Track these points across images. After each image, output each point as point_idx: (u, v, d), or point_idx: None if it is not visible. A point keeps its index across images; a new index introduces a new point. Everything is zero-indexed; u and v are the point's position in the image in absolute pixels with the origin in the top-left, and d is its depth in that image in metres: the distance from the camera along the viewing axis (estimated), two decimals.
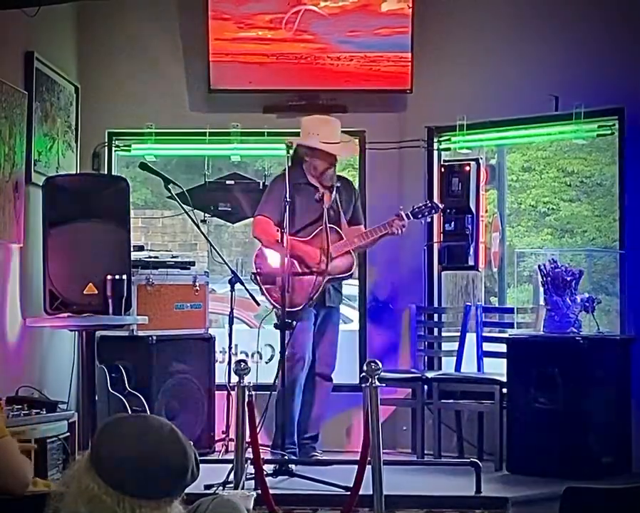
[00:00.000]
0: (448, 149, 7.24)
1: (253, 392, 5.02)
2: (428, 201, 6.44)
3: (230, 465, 5.12)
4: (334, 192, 6.24)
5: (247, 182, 7.25)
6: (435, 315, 7.22)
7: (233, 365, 5.20)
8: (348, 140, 6.44)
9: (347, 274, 6.30)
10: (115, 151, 7.30)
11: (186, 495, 2.13)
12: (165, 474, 2.03)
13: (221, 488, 5.06)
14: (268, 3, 7.11)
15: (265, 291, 6.23)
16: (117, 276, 5.90)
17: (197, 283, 6.77)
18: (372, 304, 7.24)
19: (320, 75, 7.12)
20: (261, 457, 5.17)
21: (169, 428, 2.08)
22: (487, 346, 6.89)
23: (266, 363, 7.36)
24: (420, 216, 6.31)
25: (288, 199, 5.92)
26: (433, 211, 6.39)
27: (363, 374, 4.82)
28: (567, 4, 6.74)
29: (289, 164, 6.20)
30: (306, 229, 6.22)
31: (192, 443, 2.13)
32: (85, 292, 5.94)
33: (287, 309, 5.95)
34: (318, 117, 6.41)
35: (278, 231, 6.03)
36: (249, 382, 5.00)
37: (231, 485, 5.00)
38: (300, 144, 6.24)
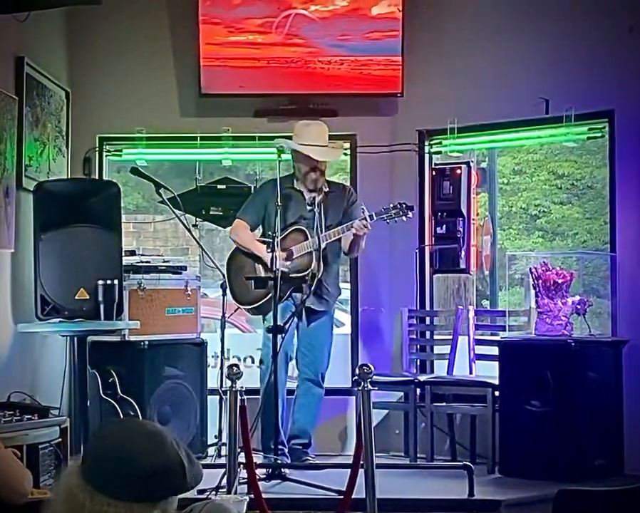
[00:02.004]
0: (439, 152, 7.25)
1: (245, 397, 5.01)
2: (398, 203, 6.22)
3: (223, 470, 5.11)
4: (319, 197, 6.25)
5: (238, 186, 7.25)
6: (427, 319, 7.23)
7: (225, 370, 5.19)
8: (335, 146, 6.44)
9: (303, 274, 6.22)
10: (106, 156, 7.29)
11: (178, 500, 2.12)
12: (136, 475, 2.00)
13: (214, 493, 5.06)
14: (258, 8, 7.11)
15: (230, 289, 6.38)
16: (108, 281, 5.91)
17: (189, 288, 6.76)
18: (364, 308, 7.24)
19: (311, 79, 7.12)
20: (254, 461, 5.17)
21: (158, 434, 2.06)
22: (479, 349, 6.90)
23: (258, 367, 7.35)
24: (385, 217, 6.15)
25: (279, 204, 5.96)
26: (401, 213, 6.19)
27: (356, 378, 4.82)
28: (557, 8, 6.75)
29: (290, 169, 6.26)
30: (282, 230, 6.24)
31: (189, 455, 2.10)
32: (76, 297, 5.94)
33: (247, 306, 6.32)
34: (304, 121, 6.45)
35: (268, 236, 6.09)
36: (241, 387, 5.00)
37: (224, 490, 5.00)
38: (283, 144, 6.26)
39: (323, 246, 6.19)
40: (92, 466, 2.01)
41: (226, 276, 6.42)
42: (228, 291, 6.42)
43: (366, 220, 6.09)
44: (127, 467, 1.99)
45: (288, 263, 6.21)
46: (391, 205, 6.18)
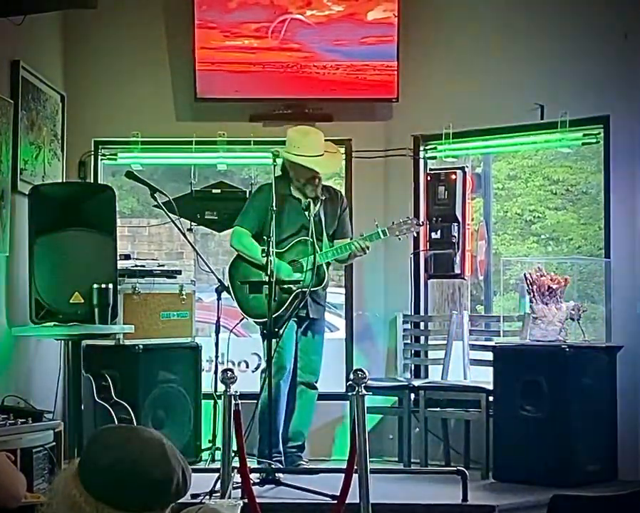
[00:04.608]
0: (434, 157, 7.26)
1: (239, 401, 5.01)
2: (407, 218, 6.35)
3: (217, 474, 5.11)
4: (318, 205, 6.25)
5: (233, 190, 7.25)
6: (422, 324, 7.23)
7: (219, 374, 5.19)
8: (334, 151, 6.43)
9: (318, 288, 6.24)
10: (102, 159, 7.28)
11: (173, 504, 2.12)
12: (144, 486, 2.01)
13: (207, 497, 5.05)
14: (254, 12, 7.12)
15: (237, 301, 6.31)
16: (103, 285, 5.90)
17: (184, 292, 6.76)
18: (358, 312, 7.25)
19: (306, 84, 7.12)
20: (248, 465, 5.16)
21: (157, 441, 2.06)
22: (473, 354, 6.89)
23: (253, 371, 7.36)
24: (397, 233, 6.26)
25: (274, 208, 5.94)
26: (412, 228, 6.32)
27: (350, 382, 4.81)
28: (553, 14, 6.77)
29: (279, 173, 6.24)
30: (284, 241, 6.23)
31: (182, 458, 2.11)
32: (71, 301, 5.94)
33: (257, 320, 6.19)
34: (301, 130, 6.38)
35: (261, 241, 6.06)
36: (236, 391, 4.99)
37: (218, 494, 4.99)
38: (286, 157, 6.25)
39: (327, 260, 6.26)
40: (98, 479, 2.01)
41: (230, 287, 6.34)
42: (235, 302, 6.34)
43: (366, 241, 6.16)
44: (132, 478, 2.00)
45: (299, 275, 6.19)
46: (401, 220, 6.24)
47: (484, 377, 6.52)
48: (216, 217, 7.11)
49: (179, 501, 2.14)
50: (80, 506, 2.00)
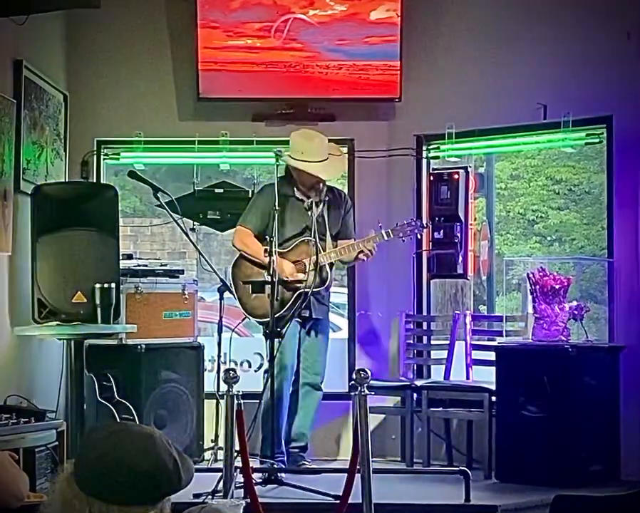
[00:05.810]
0: (437, 157, 7.25)
1: (242, 401, 5.01)
2: (412, 219, 6.37)
3: (219, 474, 5.11)
4: (321, 206, 6.24)
5: (236, 190, 7.25)
6: (424, 324, 7.23)
7: (222, 374, 5.19)
8: (338, 154, 6.40)
9: (320, 288, 6.25)
10: (104, 159, 7.28)
11: (174, 504, 2.12)
12: (131, 479, 2.00)
13: (210, 497, 5.06)
14: (257, 12, 7.11)
15: (239, 300, 6.31)
16: (105, 285, 5.90)
17: (186, 292, 6.76)
18: (361, 312, 7.24)
19: (309, 84, 7.12)
20: (251, 465, 5.16)
21: (146, 435, 2.06)
22: (476, 354, 6.89)
23: (255, 371, 7.35)
24: (401, 235, 6.27)
25: (277, 208, 5.94)
26: (416, 231, 6.34)
27: (352, 382, 4.82)
28: (555, 14, 6.76)
29: (282, 173, 6.23)
30: (288, 241, 6.24)
31: (179, 451, 2.11)
32: (73, 301, 5.94)
33: (259, 319, 6.19)
34: (305, 134, 6.32)
35: (264, 242, 6.06)
36: (238, 391, 4.99)
37: (221, 494, 5.00)
38: (291, 164, 6.23)
39: (330, 261, 6.26)
40: (86, 474, 2.01)
41: (233, 286, 6.34)
42: (237, 302, 6.35)
43: (376, 239, 6.16)
44: (121, 471, 1.99)
45: (302, 275, 6.20)
46: (405, 222, 6.24)
47: (486, 377, 6.52)
48: (218, 217, 7.11)
49: (181, 500, 2.13)
50: (71, 503, 2.01)
